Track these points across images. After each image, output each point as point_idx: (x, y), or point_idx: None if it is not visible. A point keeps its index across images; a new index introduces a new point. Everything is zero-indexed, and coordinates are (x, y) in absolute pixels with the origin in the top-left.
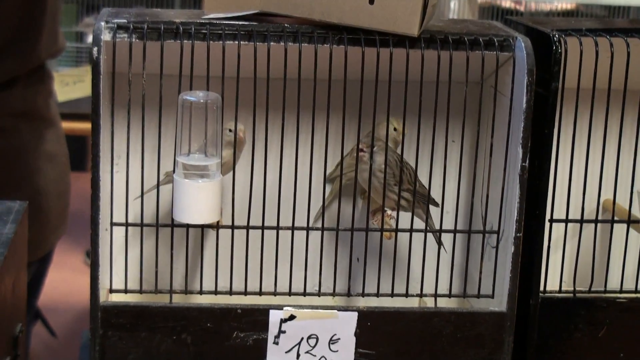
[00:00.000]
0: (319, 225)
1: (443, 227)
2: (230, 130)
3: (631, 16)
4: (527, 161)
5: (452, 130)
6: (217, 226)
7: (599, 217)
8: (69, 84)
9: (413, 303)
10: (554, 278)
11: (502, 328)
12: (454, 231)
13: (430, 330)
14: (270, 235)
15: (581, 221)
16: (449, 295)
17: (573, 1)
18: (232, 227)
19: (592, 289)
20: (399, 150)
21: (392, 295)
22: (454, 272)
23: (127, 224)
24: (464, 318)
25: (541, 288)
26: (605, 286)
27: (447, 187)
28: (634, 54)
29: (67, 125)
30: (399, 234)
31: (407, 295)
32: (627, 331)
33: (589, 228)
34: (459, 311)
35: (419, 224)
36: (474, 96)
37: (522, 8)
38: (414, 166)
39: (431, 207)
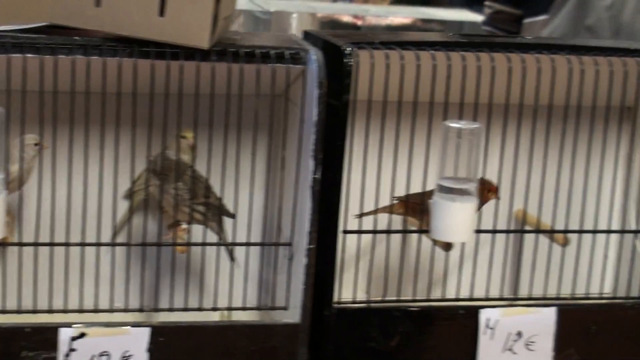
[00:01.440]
0: (118, 240)
1: (242, 240)
2: (36, 144)
3: (465, 31)
4: (319, 173)
5: (250, 142)
6: (2, 243)
7: (391, 228)
8: None
9: (215, 317)
10: (359, 288)
11: (295, 339)
12: (247, 244)
13: (225, 343)
14: (61, 252)
15: (374, 232)
16: (243, 308)
17: (410, 16)
18: (20, 244)
19: (386, 299)
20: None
21: (186, 309)
22: (249, 284)
23: None
24: (258, 330)
25: (335, 299)
26: (399, 295)
27: (242, 200)
28: (424, 66)
29: None
30: (195, 247)
31: (201, 309)
32: (420, 339)
33: (392, 238)
34: (252, 324)
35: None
36: (268, 109)
37: (360, 22)
38: (207, 179)
39: (230, 220)
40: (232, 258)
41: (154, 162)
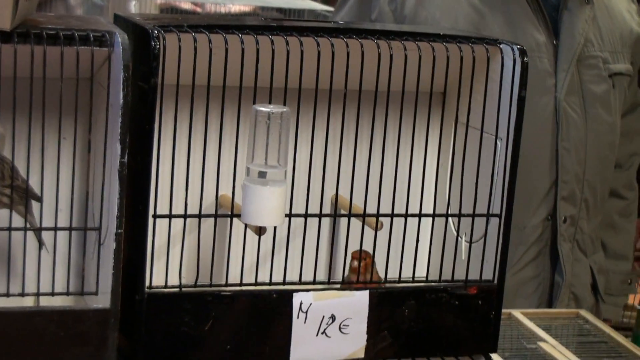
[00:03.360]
0: None
1: (50, 225)
2: None
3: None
4: (127, 157)
5: (56, 126)
6: None
7: (215, 212)
8: None
9: (24, 303)
10: (171, 274)
11: (106, 325)
12: (55, 228)
13: (32, 330)
14: None
15: (185, 216)
16: (52, 294)
17: (250, 4)
18: None
19: (199, 283)
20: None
21: None
22: (58, 269)
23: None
24: (67, 316)
25: (147, 284)
26: (211, 280)
27: (49, 184)
28: (233, 50)
29: None
30: (1, 232)
31: (8, 295)
32: (232, 323)
33: (208, 222)
34: (61, 309)
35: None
36: (75, 92)
37: (200, 10)
38: (12, 161)
39: (38, 205)
40: (40, 243)
41: None
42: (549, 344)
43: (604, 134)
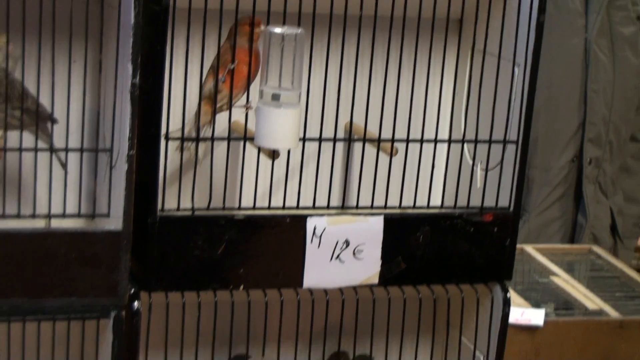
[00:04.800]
0: None
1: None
2: None
3: None
4: (138, 78)
5: (66, 47)
6: None
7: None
8: None
9: (35, 225)
10: (184, 198)
11: (118, 247)
12: (66, 149)
13: (44, 251)
14: None
15: (198, 139)
16: (63, 216)
17: None
18: None
19: (212, 207)
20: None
21: (4, 216)
22: (69, 191)
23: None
24: (79, 238)
25: (159, 206)
26: (224, 204)
27: (60, 106)
28: None
29: None
30: (12, 154)
31: (19, 216)
32: (246, 248)
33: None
34: (73, 231)
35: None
36: (85, 13)
37: None
38: (23, 83)
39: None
40: (61, 164)
41: None
42: (561, 278)
43: (631, 76)
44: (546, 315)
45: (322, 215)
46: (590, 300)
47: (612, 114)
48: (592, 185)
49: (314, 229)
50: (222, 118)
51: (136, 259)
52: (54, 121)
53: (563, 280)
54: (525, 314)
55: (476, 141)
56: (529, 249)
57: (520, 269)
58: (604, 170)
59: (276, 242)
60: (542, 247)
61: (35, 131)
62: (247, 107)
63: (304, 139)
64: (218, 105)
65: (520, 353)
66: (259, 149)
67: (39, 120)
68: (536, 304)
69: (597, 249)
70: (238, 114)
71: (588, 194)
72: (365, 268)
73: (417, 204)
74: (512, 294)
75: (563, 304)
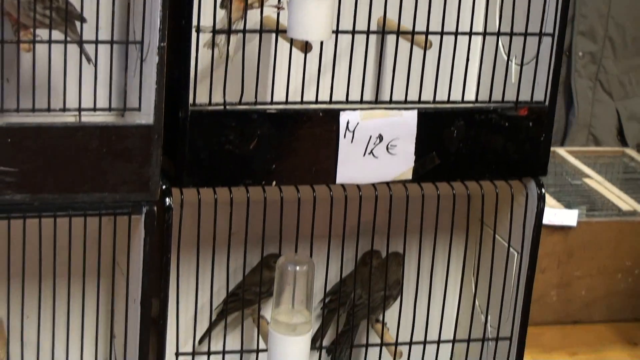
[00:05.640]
0: None
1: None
2: None
3: None
4: None
5: None
6: None
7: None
8: None
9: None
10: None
11: (149, 141)
12: (96, 42)
13: (75, 145)
14: None
15: (230, 32)
16: (94, 109)
17: None
18: None
19: (243, 101)
20: None
21: (34, 110)
22: (99, 85)
23: None
24: (110, 132)
25: (191, 100)
26: (256, 99)
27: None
28: None
29: None
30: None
31: (49, 110)
32: (278, 143)
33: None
34: (103, 125)
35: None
36: None
37: None
38: None
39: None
40: (87, 57)
41: None
42: (594, 180)
43: None
44: (579, 216)
45: (355, 109)
46: (623, 201)
47: (610, 7)
48: (588, 81)
49: (347, 123)
50: (253, 14)
51: (168, 156)
52: (83, 20)
53: (596, 182)
54: (558, 214)
55: (512, 34)
56: (561, 151)
57: (552, 171)
58: (605, 68)
59: (309, 137)
60: (574, 150)
61: (65, 29)
62: (279, 7)
63: (337, 32)
64: (250, 1)
65: (553, 254)
66: (291, 43)
67: (68, 18)
68: (569, 206)
69: (629, 151)
70: (270, 12)
71: (578, 90)
72: (398, 163)
73: (451, 98)
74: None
75: (596, 205)
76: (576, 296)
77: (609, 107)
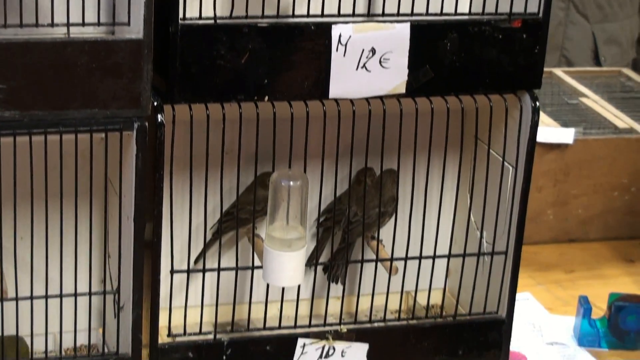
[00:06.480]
0: None
1: None
2: None
3: None
4: None
5: None
6: None
7: None
8: None
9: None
10: (208, 6)
11: (139, 56)
12: None
13: (64, 61)
14: None
15: None
16: (82, 24)
17: None
18: None
19: (234, 15)
20: None
21: (21, 26)
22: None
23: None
24: (99, 47)
25: (181, 15)
26: (247, 12)
27: None
28: None
29: None
30: None
31: (37, 25)
32: (269, 56)
33: None
34: (92, 40)
35: None
36: None
37: None
38: None
39: None
40: None
41: None
42: (591, 99)
43: None
44: (575, 134)
45: (347, 22)
46: (620, 119)
47: None
48: (557, 1)
49: (339, 36)
50: None
51: (159, 73)
52: None
53: (593, 101)
54: (554, 133)
55: None
56: (558, 71)
57: (549, 91)
58: None
59: (301, 51)
60: (571, 70)
61: None
62: None
63: None
64: None
65: (550, 172)
66: None
67: None
68: (565, 125)
69: (626, 70)
70: None
71: None
72: (392, 77)
73: (444, 10)
74: (541, 115)
75: (593, 123)
76: (572, 214)
77: (584, 30)
